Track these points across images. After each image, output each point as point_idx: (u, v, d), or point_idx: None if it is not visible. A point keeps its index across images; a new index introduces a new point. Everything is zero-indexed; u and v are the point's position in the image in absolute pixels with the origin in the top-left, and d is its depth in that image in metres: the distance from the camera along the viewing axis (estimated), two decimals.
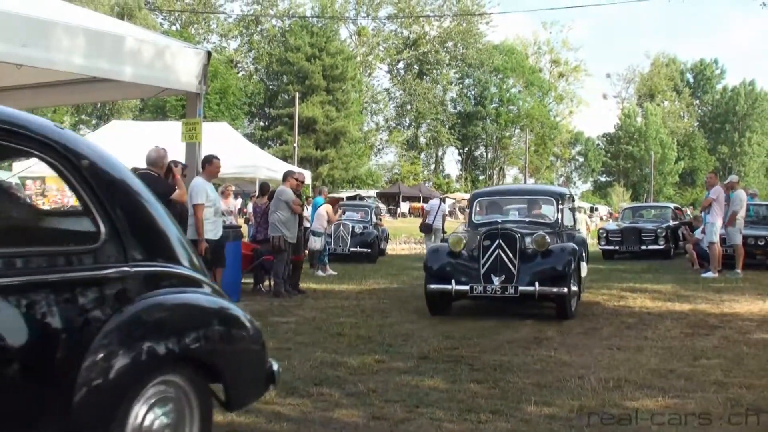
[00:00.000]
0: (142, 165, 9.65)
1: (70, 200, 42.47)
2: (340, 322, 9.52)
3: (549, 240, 9.92)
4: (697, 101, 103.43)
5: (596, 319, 10.21)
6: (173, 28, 69.76)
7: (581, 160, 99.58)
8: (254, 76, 74.43)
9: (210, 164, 10.32)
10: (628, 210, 26.47)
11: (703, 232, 16.64)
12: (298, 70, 64.26)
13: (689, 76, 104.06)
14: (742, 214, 16.54)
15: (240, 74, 73.47)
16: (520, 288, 9.55)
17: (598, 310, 11.22)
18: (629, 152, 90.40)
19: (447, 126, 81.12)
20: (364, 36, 79.54)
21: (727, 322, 9.93)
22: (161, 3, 70.88)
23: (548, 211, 11.43)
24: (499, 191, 11.91)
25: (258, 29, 76.08)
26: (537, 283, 9.53)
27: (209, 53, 11.12)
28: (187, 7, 72.41)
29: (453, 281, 9.81)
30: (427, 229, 20.54)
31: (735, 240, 16.40)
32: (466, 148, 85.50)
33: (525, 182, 77.27)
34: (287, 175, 13.00)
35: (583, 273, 10.64)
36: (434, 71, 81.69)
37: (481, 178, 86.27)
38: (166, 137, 13.75)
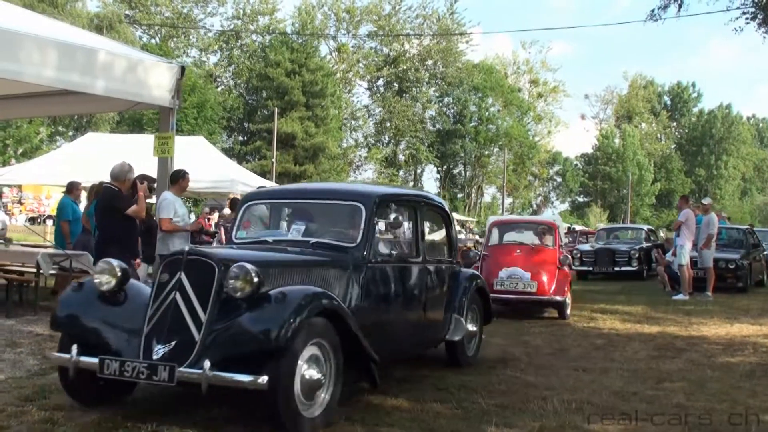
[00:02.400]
0: None
1: (47, 209, 42.27)
2: None
3: (256, 278, 5.37)
4: (675, 124, 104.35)
5: (565, 340, 10.26)
6: (153, 41, 69.50)
7: (559, 180, 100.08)
8: (234, 91, 74.29)
9: (182, 179, 10.30)
10: (603, 231, 26.64)
11: (674, 254, 16.76)
12: (277, 86, 64.19)
13: (666, 99, 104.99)
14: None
15: (219, 89, 73.29)
16: (184, 371, 5.11)
17: (567, 330, 11.29)
18: (607, 173, 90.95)
19: (426, 144, 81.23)
20: (344, 53, 79.64)
21: (694, 345, 10.01)
22: (141, 17, 70.63)
23: (351, 225, 6.86)
24: (279, 192, 8.24)
25: (238, 44, 76.00)
26: (208, 364, 5.05)
27: (183, 68, 11.13)
28: (167, 21, 72.24)
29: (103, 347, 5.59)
30: None
31: (707, 263, 16.57)
32: (445, 166, 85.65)
33: (502, 202, 77.69)
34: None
35: (457, 336, 7.91)
36: (414, 89, 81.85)
37: (459, 196, 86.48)
38: (141, 150, 13.70)
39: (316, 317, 5.43)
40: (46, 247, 12.93)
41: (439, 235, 8.48)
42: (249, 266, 5.38)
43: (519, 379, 7.52)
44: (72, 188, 12.98)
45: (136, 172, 9.97)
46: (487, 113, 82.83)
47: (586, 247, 24.45)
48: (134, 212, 9.16)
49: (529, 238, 14.37)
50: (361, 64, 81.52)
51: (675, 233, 16.93)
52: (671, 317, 12.97)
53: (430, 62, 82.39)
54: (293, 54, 64.51)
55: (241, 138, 71.12)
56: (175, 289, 5.53)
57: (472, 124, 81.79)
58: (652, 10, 20.86)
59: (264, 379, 4.96)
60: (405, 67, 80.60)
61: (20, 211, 45.39)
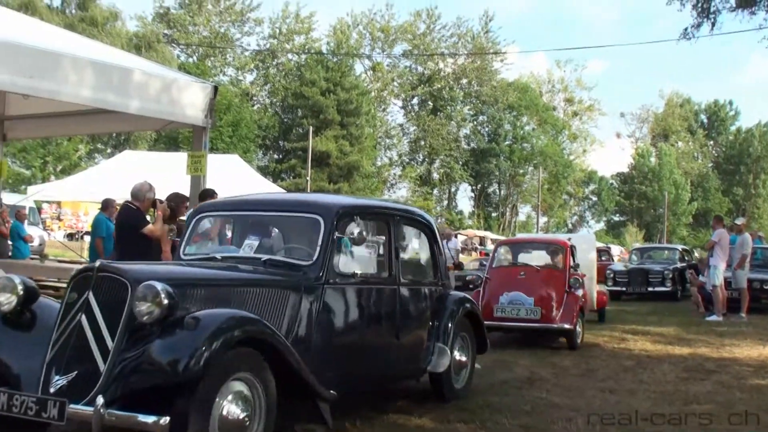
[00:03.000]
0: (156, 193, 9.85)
1: (85, 225, 42.87)
2: None
3: (166, 299, 4.66)
4: (711, 142, 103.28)
5: (594, 361, 10.21)
6: (190, 60, 70.45)
7: (595, 199, 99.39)
8: (269, 109, 74.96)
9: (209, 198, 10.42)
10: (636, 251, 26.41)
11: (707, 275, 16.60)
12: (312, 104, 64.68)
13: (703, 117, 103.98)
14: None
15: (255, 107, 74.01)
16: (76, 409, 4.41)
17: (597, 351, 11.22)
18: (643, 192, 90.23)
19: (460, 162, 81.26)
20: (379, 72, 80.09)
21: (725, 366, 9.90)
22: (179, 36, 71.68)
23: (309, 240, 6.15)
24: (234, 203, 7.23)
25: (274, 63, 76.77)
26: (101, 400, 4.31)
27: (216, 87, 11.28)
28: (205, 41, 73.18)
29: None
30: None
31: (741, 283, 16.39)
32: (479, 185, 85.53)
33: (537, 221, 77.26)
34: None
35: (440, 367, 7.08)
36: (448, 107, 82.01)
37: (493, 215, 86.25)
38: (176, 168, 13.89)
39: (240, 347, 4.70)
40: (80, 263, 13.14)
41: (421, 254, 7.68)
42: (159, 286, 4.64)
43: (544, 400, 7.50)
44: (107, 205, 13.17)
45: (171, 190, 10.11)
46: (521, 132, 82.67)
47: (620, 267, 24.25)
48: (149, 231, 9.09)
49: (538, 259, 13.16)
50: (395, 83, 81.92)
51: (708, 253, 16.76)
52: (703, 338, 12.82)
53: (464, 81, 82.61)
54: (328, 73, 65.01)
55: (276, 156, 71.64)
56: (82, 310, 4.74)
57: (507, 142, 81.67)
58: (685, 29, 20.76)
59: (165, 420, 4.20)
60: (439, 86, 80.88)
61: (59, 227, 46.04)
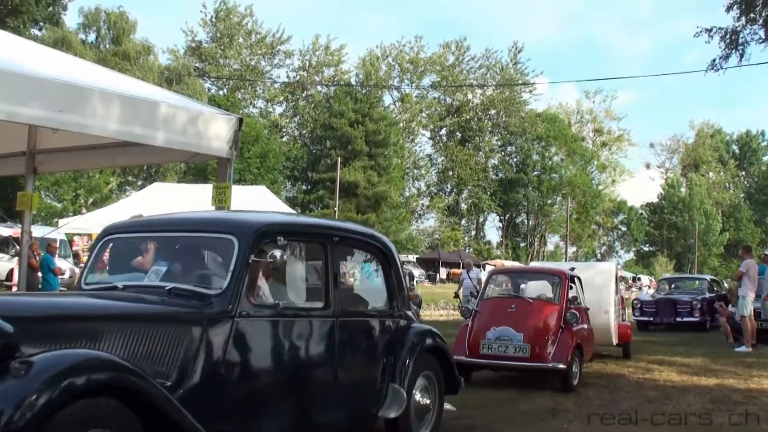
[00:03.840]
0: None
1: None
2: None
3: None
4: (743, 173, 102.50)
5: (618, 392, 10.15)
6: (221, 93, 71.32)
7: (624, 229, 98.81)
8: (298, 141, 75.57)
9: None
10: (664, 281, 26.23)
11: (736, 305, 16.45)
12: (341, 135, 65.11)
13: (735, 147, 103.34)
14: None
15: (284, 138, 74.66)
16: None
17: (621, 382, 11.14)
18: (673, 222, 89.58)
19: (488, 192, 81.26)
20: (408, 103, 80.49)
21: (752, 398, 9.79)
22: (210, 69, 72.64)
23: (220, 264, 5.39)
24: (143, 224, 6.56)
25: (303, 95, 77.48)
26: None
27: (241, 120, 11.43)
28: (235, 73, 74.07)
29: None
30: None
31: None
32: (507, 215, 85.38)
33: (565, 251, 76.79)
34: None
35: (393, 411, 6.12)
36: (476, 138, 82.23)
37: (522, 245, 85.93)
38: (203, 199, 14.10)
39: (96, 396, 3.83)
40: None
41: (371, 281, 6.79)
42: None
43: (565, 431, 7.48)
44: None
45: None
46: (550, 162, 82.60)
47: (647, 297, 24.07)
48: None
49: (534, 290, 11.99)
50: (424, 114, 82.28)
51: (737, 283, 16.62)
52: (731, 369, 12.67)
53: (493, 111, 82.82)
54: (357, 104, 65.47)
55: (304, 187, 72.06)
56: None
57: (535, 173, 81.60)
58: (713, 60, 20.78)
59: None
60: (468, 117, 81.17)
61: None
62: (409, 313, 6.86)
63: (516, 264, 53.22)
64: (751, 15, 19.80)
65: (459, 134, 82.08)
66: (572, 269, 12.33)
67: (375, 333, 6.32)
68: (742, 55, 20.43)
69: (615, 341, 13.44)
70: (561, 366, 9.95)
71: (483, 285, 12.40)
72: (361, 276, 6.98)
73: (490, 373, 10.89)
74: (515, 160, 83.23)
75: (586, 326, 11.27)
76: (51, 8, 47.00)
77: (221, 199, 11.20)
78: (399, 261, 6.83)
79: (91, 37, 61.53)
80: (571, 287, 11.36)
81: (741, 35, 20.32)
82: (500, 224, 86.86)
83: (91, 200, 48.09)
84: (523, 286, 12.02)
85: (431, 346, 6.70)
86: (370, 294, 6.72)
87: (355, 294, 6.77)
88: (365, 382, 6.08)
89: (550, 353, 10.07)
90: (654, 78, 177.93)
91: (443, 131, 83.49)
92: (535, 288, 12.16)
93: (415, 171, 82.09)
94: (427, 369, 6.63)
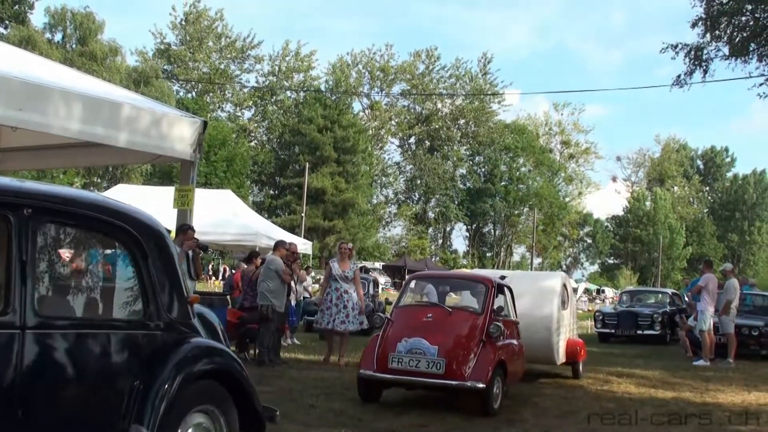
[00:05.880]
0: None
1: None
2: (316, 394, 9.51)
3: None
4: (707, 188, 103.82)
5: (576, 402, 10.18)
6: (189, 96, 70.91)
7: (589, 241, 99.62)
8: (266, 145, 75.36)
9: (183, 234, 10.64)
10: (626, 293, 26.44)
11: (696, 319, 16.61)
12: (309, 141, 65.01)
13: (699, 163, 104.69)
14: (735, 303, 16.57)
15: (252, 143, 74.41)
16: None
17: (579, 393, 11.19)
18: (638, 236, 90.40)
19: (456, 202, 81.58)
20: (377, 110, 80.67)
21: (707, 412, 9.85)
22: (179, 71, 72.22)
23: None
24: None
25: (272, 100, 77.31)
26: None
27: (205, 123, 11.37)
28: (204, 77, 73.71)
29: None
30: None
31: (727, 329, 16.39)
32: (474, 225, 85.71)
33: (531, 262, 77.21)
34: (278, 245, 13.16)
35: None
36: (445, 147, 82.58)
37: (488, 254, 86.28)
38: (168, 202, 14.00)
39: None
40: None
41: (113, 276, 4.97)
42: None
43: None
44: None
45: (163, 223, 10.22)
46: (517, 173, 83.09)
47: (609, 309, 24.25)
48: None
49: (461, 299, 10.93)
50: (393, 122, 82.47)
51: (695, 297, 16.81)
52: (688, 383, 12.80)
53: (462, 121, 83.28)
54: (326, 110, 65.44)
55: (272, 192, 71.86)
56: None
57: (503, 183, 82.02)
58: (678, 76, 21.04)
59: None
60: (437, 126, 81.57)
61: None
62: (194, 323, 5.03)
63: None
64: (716, 32, 20.07)
65: (428, 143, 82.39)
66: (503, 277, 11.19)
67: (110, 351, 4.45)
68: (706, 72, 20.73)
69: (559, 360, 12.16)
70: (480, 385, 8.55)
71: (401, 290, 10.98)
72: (91, 267, 4.85)
73: (402, 392, 9.54)
74: (483, 170, 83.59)
75: (514, 342, 10.02)
76: (17, 6, 46.51)
77: (183, 202, 11.14)
78: (169, 250, 4.97)
79: (58, 36, 60.96)
80: (498, 297, 9.99)
81: (705, 52, 20.61)
82: (467, 233, 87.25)
83: None
84: (446, 293, 11.02)
85: (213, 370, 4.85)
86: (105, 295, 4.82)
87: (71, 294, 4.65)
88: (87, 423, 4.28)
89: (467, 370, 8.68)
90: (623, 92, 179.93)
91: (412, 139, 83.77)
92: (457, 297, 11.29)
93: (383, 178, 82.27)
94: (207, 402, 4.79)
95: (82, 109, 9.48)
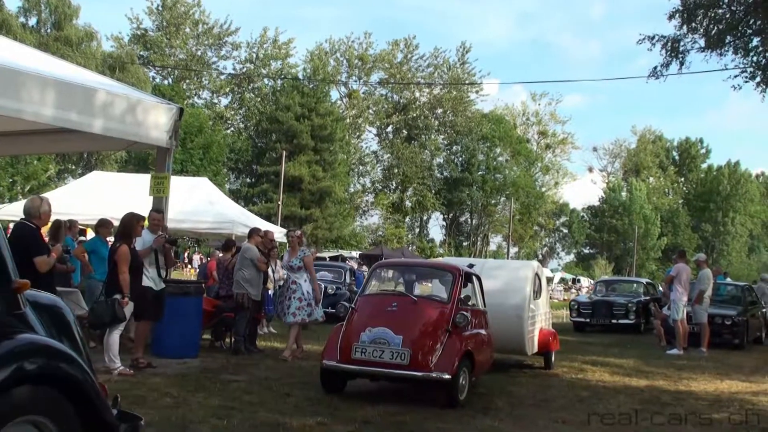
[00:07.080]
0: (121, 214, 10.16)
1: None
2: (292, 383, 9.51)
3: None
4: (682, 179, 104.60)
5: (550, 391, 10.27)
6: (165, 82, 70.38)
7: (565, 231, 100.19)
8: (243, 133, 75.01)
9: (155, 217, 10.73)
10: (601, 283, 26.63)
11: (669, 308, 16.77)
12: (287, 129, 64.70)
13: (675, 154, 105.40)
14: (708, 292, 16.74)
15: (229, 130, 74.03)
16: None
17: (554, 381, 11.28)
18: (613, 226, 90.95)
19: (433, 191, 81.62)
20: (355, 99, 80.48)
21: (680, 400, 9.99)
22: (155, 58, 71.66)
23: None
24: None
25: (250, 87, 76.93)
26: None
27: (181, 109, 11.31)
28: (181, 63, 73.19)
29: None
30: None
31: (700, 318, 16.56)
32: (451, 214, 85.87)
33: (507, 251, 77.49)
34: (252, 233, 13.08)
35: None
36: (423, 136, 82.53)
37: (465, 244, 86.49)
38: (144, 189, 13.91)
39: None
40: None
41: None
42: None
43: (496, 429, 7.53)
44: (71, 225, 13.16)
45: (138, 211, 10.21)
46: (494, 162, 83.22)
47: (584, 298, 24.41)
48: (39, 263, 8.18)
49: (428, 287, 10.84)
50: (371, 111, 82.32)
51: (668, 287, 16.98)
52: (662, 371, 12.93)
53: (439, 110, 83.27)
54: (304, 98, 65.12)
55: (249, 180, 71.53)
56: None
57: (480, 172, 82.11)
58: (655, 67, 21.07)
59: None
60: (415, 115, 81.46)
61: None
62: (26, 314, 4.02)
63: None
64: (692, 24, 20.12)
65: (405, 132, 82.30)
66: (471, 266, 11.02)
67: None
68: (682, 63, 20.76)
69: (531, 351, 12.08)
70: (445, 376, 8.33)
71: (366, 278, 10.69)
72: None
73: (366, 383, 9.29)
74: (460, 159, 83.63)
75: (482, 332, 9.83)
76: None
77: (159, 189, 11.08)
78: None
79: (32, 21, 60.30)
80: (466, 286, 9.88)
81: (682, 44, 20.65)
82: (444, 222, 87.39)
83: (28, 187, 47.09)
84: (411, 282, 10.72)
85: (44, 374, 3.76)
86: None
87: None
88: None
89: (432, 361, 8.45)
90: (600, 83, 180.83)
91: (390, 128, 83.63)
92: (423, 286, 11.00)
93: (361, 167, 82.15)
94: (35, 413, 3.73)
95: (56, 95, 9.38)
